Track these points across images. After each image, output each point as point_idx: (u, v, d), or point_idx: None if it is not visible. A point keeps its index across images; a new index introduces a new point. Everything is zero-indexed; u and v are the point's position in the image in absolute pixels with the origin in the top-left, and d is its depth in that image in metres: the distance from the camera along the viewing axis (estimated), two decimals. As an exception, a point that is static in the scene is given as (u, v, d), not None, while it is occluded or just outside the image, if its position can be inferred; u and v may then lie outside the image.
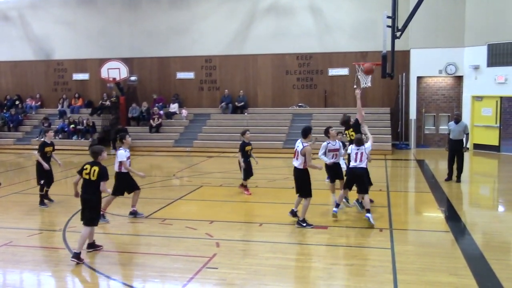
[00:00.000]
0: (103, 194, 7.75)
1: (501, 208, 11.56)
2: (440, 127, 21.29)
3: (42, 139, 12.41)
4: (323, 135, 10.51)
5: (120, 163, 9.46)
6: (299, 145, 9.06)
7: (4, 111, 25.62)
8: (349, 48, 22.61)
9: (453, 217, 10.07)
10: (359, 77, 11.91)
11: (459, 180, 13.40)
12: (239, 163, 11.97)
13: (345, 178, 10.06)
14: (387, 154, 19.26)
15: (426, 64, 20.98)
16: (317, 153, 10.33)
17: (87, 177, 7.46)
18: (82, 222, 7.54)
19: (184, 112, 24.04)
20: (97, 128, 23.41)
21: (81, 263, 7.25)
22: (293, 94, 23.83)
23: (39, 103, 26.36)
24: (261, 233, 8.83)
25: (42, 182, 10.98)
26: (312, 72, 23.54)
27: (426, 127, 21.72)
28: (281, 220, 9.48)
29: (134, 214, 9.88)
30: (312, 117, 22.44)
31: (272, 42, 23.53)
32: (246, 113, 23.69)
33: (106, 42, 25.24)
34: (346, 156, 10.42)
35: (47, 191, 11.18)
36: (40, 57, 26.38)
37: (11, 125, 24.69)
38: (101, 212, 9.30)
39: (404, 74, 21.54)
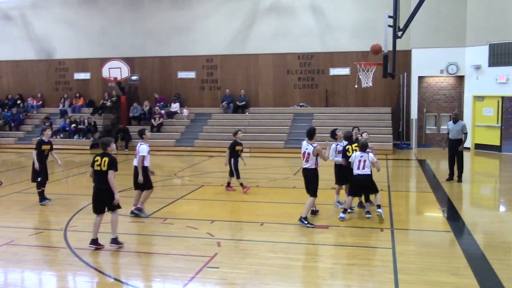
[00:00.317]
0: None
1: (502, 208, 11.55)
2: (442, 127, 21.22)
3: (39, 137, 12.39)
4: (330, 137, 10.36)
5: (142, 157, 9.52)
6: (307, 147, 8.94)
7: (6, 110, 25.64)
8: (350, 47, 22.59)
9: (454, 217, 10.08)
10: (360, 76, 11.91)
11: (460, 180, 13.38)
12: (229, 162, 11.99)
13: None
14: (388, 154, 19.23)
15: (428, 64, 20.95)
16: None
17: (98, 168, 7.73)
18: (107, 210, 7.85)
19: (185, 111, 24.04)
20: (98, 127, 23.40)
21: (121, 245, 7.81)
22: (294, 94, 23.83)
23: (40, 102, 26.37)
24: (262, 232, 8.82)
25: (39, 179, 10.92)
26: (313, 71, 23.53)
27: (427, 127, 21.70)
28: (282, 220, 9.49)
29: (139, 211, 9.76)
30: (313, 116, 22.43)
31: (273, 41, 23.53)
32: (247, 113, 23.69)
33: (108, 42, 25.27)
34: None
35: (43, 190, 11.05)
36: (41, 56, 26.41)
37: (13, 124, 24.68)
38: (140, 206, 9.69)
39: (405, 74, 21.50)
